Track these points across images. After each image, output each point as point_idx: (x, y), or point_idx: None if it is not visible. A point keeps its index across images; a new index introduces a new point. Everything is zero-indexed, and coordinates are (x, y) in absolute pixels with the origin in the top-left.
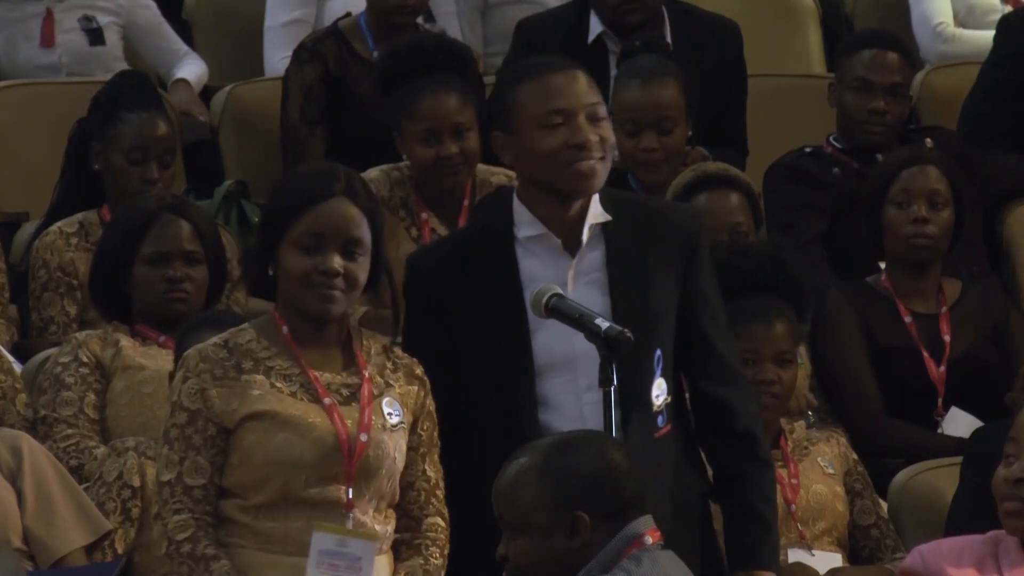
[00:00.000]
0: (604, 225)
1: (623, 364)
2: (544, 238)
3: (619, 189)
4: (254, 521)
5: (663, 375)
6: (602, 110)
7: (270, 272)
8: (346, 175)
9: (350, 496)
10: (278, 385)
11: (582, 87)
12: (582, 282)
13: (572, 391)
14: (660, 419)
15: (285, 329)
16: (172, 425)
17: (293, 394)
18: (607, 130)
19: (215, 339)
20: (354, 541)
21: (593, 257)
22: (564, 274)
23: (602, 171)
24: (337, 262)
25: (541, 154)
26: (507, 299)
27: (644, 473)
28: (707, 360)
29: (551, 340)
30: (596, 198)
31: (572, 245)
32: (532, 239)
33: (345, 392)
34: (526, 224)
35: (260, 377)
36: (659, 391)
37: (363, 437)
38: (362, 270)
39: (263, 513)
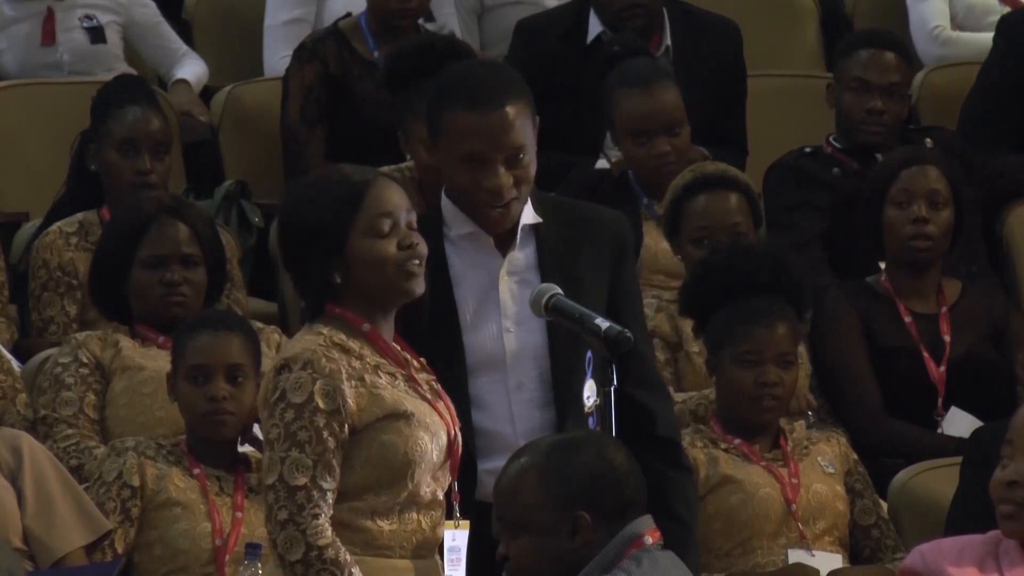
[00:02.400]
0: (535, 226)
1: (560, 366)
2: (475, 236)
3: (550, 193)
4: (370, 524)
5: (593, 376)
6: (523, 151)
7: (337, 280)
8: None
9: (456, 489)
10: (395, 383)
11: (505, 129)
12: (513, 281)
13: (502, 390)
14: (591, 421)
15: (366, 327)
16: (302, 427)
17: (406, 392)
18: (526, 168)
19: (313, 339)
20: (460, 533)
21: (524, 257)
22: (495, 273)
23: (515, 209)
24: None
25: (457, 186)
26: (437, 297)
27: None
28: (629, 363)
29: (481, 339)
30: (528, 200)
31: (503, 244)
32: (463, 237)
33: (426, 387)
34: (458, 223)
35: (378, 377)
36: (590, 392)
37: (456, 431)
38: None
39: (380, 515)
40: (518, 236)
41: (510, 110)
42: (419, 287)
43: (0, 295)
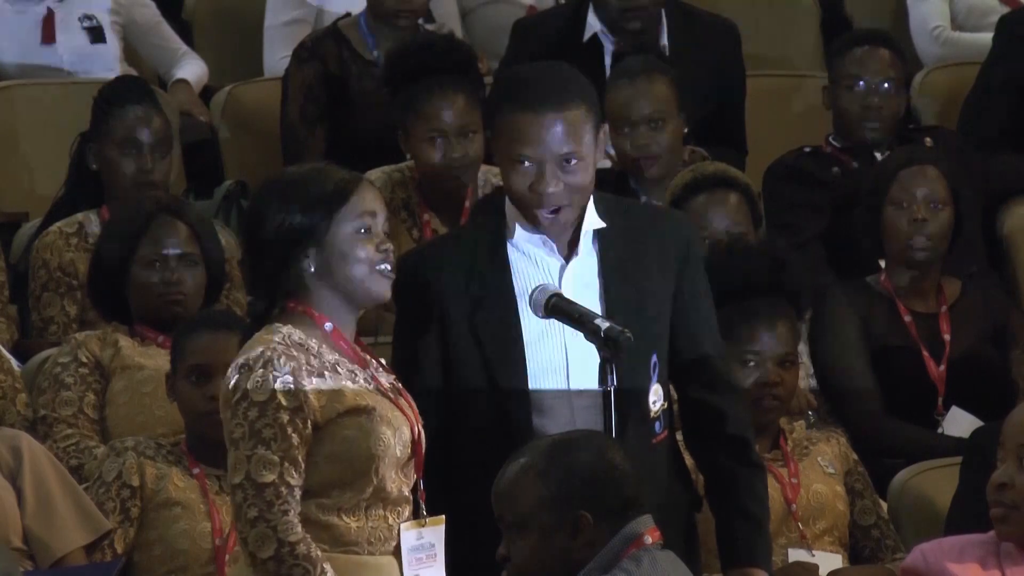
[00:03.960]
0: (598, 231)
1: (621, 369)
2: (538, 240)
3: (613, 194)
4: (336, 520)
5: (659, 381)
6: (574, 156)
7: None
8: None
9: (422, 487)
10: (355, 379)
11: (555, 133)
12: (576, 287)
13: (564, 396)
14: (657, 425)
15: (329, 326)
16: (266, 424)
17: (367, 388)
18: (579, 173)
19: (270, 338)
20: (429, 530)
21: (587, 263)
22: (558, 279)
23: (567, 216)
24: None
25: (509, 187)
26: (500, 303)
27: (641, 479)
28: (697, 366)
29: (544, 345)
30: (591, 205)
31: (567, 250)
32: (526, 241)
33: (388, 385)
34: (520, 226)
35: (338, 374)
36: (656, 397)
37: (420, 428)
38: None
39: (346, 512)
40: (580, 241)
41: (563, 115)
42: (388, 292)
43: (0, 295)
